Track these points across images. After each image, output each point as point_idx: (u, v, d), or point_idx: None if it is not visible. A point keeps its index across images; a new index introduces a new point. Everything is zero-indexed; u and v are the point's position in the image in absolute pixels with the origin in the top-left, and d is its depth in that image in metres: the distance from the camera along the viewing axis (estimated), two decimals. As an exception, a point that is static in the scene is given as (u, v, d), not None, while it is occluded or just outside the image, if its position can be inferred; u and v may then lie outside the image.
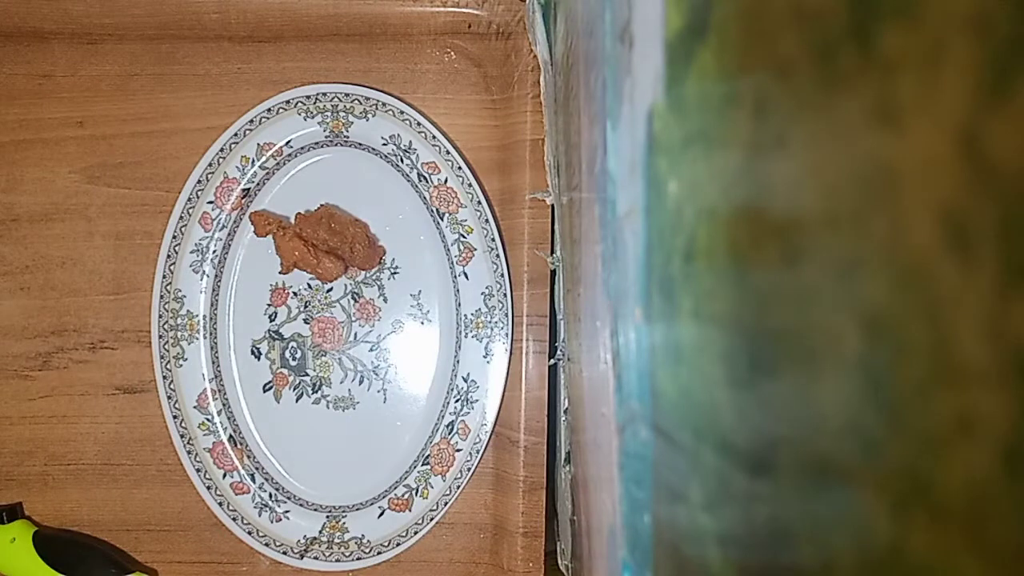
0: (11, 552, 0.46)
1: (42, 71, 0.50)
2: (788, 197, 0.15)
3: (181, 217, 0.48)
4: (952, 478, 0.11)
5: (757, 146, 0.16)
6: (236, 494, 0.48)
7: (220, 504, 0.48)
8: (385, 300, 0.50)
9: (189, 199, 0.48)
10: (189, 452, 0.48)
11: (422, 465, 0.49)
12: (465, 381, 0.49)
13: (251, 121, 0.48)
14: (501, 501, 0.49)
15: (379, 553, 0.48)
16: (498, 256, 0.48)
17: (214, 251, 0.49)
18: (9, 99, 0.50)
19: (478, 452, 0.48)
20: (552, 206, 0.48)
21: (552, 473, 0.51)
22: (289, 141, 0.48)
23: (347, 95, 0.48)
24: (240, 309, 0.50)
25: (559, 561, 0.52)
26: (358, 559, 0.48)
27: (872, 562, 0.13)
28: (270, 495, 0.49)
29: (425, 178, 0.49)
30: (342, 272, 0.49)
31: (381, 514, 0.48)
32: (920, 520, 0.11)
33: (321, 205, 0.49)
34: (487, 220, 0.48)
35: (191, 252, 0.48)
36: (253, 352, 0.50)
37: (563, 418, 0.49)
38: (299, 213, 0.48)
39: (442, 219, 0.49)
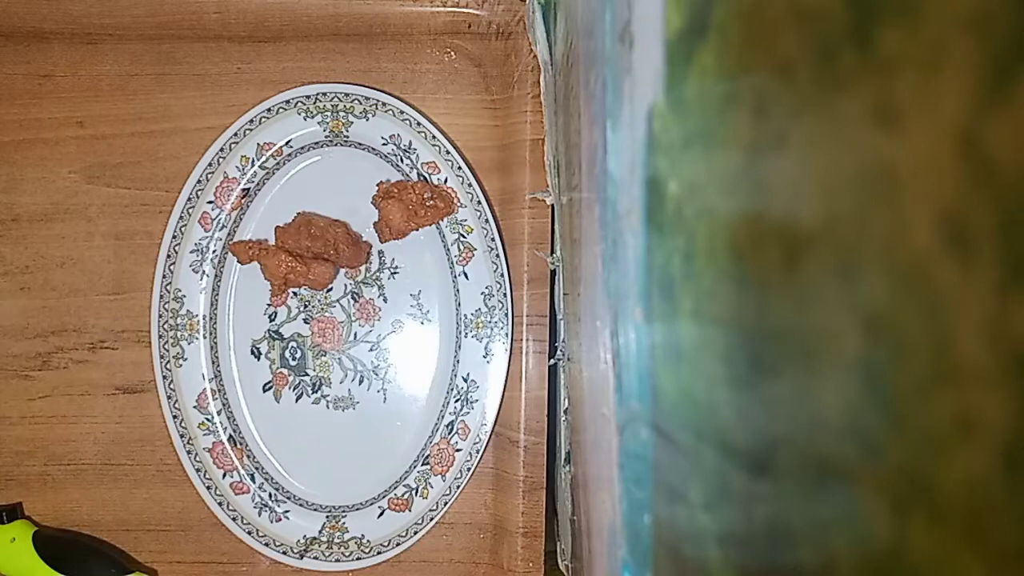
0: (11, 552, 0.46)
1: (42, 71, 0.50)
2: (788, 197, 0.15)
3: (181, 217, 0.48)
4: (952, 478, 0.11)
5: (757, 146, 0.16)
6: (236, 494, 0.48)
7: (220, 504, 0.48)
8: (385, 300, 0.50)
9: (189, 199, 0.48)
10: (189, 452, 0.48)
11: (422, 465, 0.49)
12: (465, 381, 0.49)
13: (251, 121, 0.48)
14: (501, 501, 0.49)
15: (379, 553, 0.48)
16: (498, 256, 0.48)
17: (214, 251, 0.49)
18: (9, 99, 0.50)
19: (478, 452, 0.48)
20: (552, 206, 0.48)
21: (552, 473, 0.51)
22: (289, 141, 0.48)
23: (347, 95, 0.48)
24: (240, 309, 0.50)
25: (559, 561, 0.52)
26: (358, 559, 0.48)
27: (872, 562, 0.13)
28: (270, 495, 0.49)
29: (425, 178, 0.49)
30: (333, 276, 0.49)
31: (381, 514, 0.49)
32: (920, 520, 0.11)
33: (298, 214, 0.49)
34: (487, 220, 0.48)
35: (191, 252, 0.48)
36: (253, 352, 0.50)
37: (563, 418, 0.49)
38: (278, 227, 0.48)
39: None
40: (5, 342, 0.50)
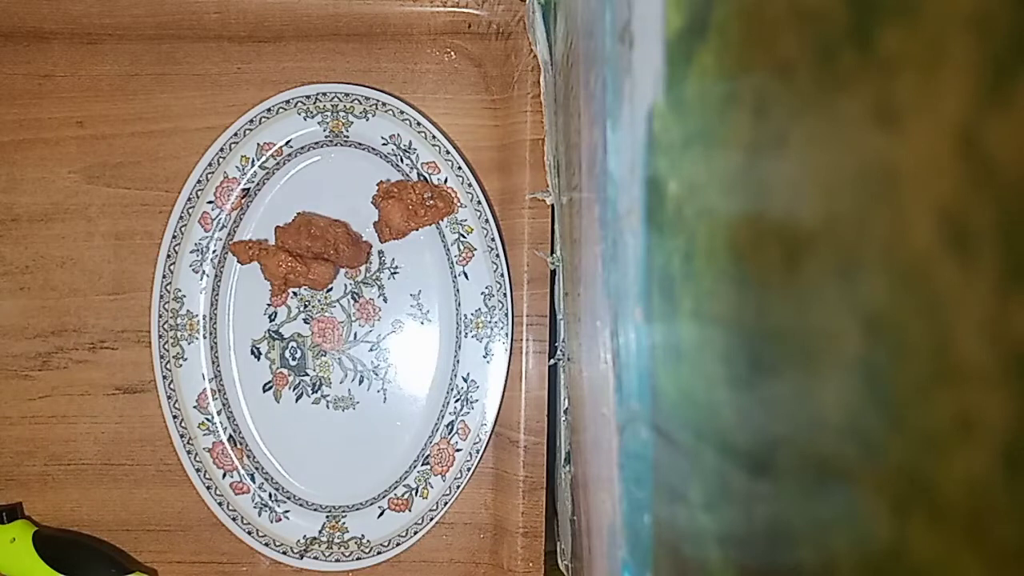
0: (11, 552, 0.46)
1: (42, 71, 0.50)
2: (788, 197, 0.15)
3: (181, 217, 0.48)
4: (952, 478, 0.11)
5: (757, 146, 0.16)
6: (236, 494, 0.48)
7: (220, 504, 0.48)
8: (385, 300, 0.50)
9: (189, 199, 0.48)
10: (189, 452, 0.48)
11: (422, 465, 0.49)
12: (465, 381, 0.49)
13: (251, 121, 0.48)
14: (501, 501, 0.49)
15: (379, 553, 0.48)
16: (498, 256, 0.48)
17: (214, 251, 0.49)
18: (9, 99, 0.50)
19: (478, 452, 0.48)
20: (552, 206, 0.48)
21: (552, 473, 0.51)
22: (289, 141, 0.48)
23: (347, 95, 0.48)
24: (240, 309, 0.50)
25: (559, 561, 0.52)
26: (358, 559, 0.48)
27: (872, 562, 0.13)
28: (270, 495, 0.49)
29: (425, 178, 0.49)
30: (333, 276, 0.49)
31: (381, 514, 0.49)
32: (920, 520, 0.11)
33: (298, 214, 0.49)
34: (487, 220, 0.48)
35: (191, 252, 0.48)
36: (253, 352, 0.50)
37: (563, 418, 0.49)
38: (278, 227, 0.48)
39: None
40: (5, 342, 0.50)
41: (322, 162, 0.50)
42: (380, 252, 0.50)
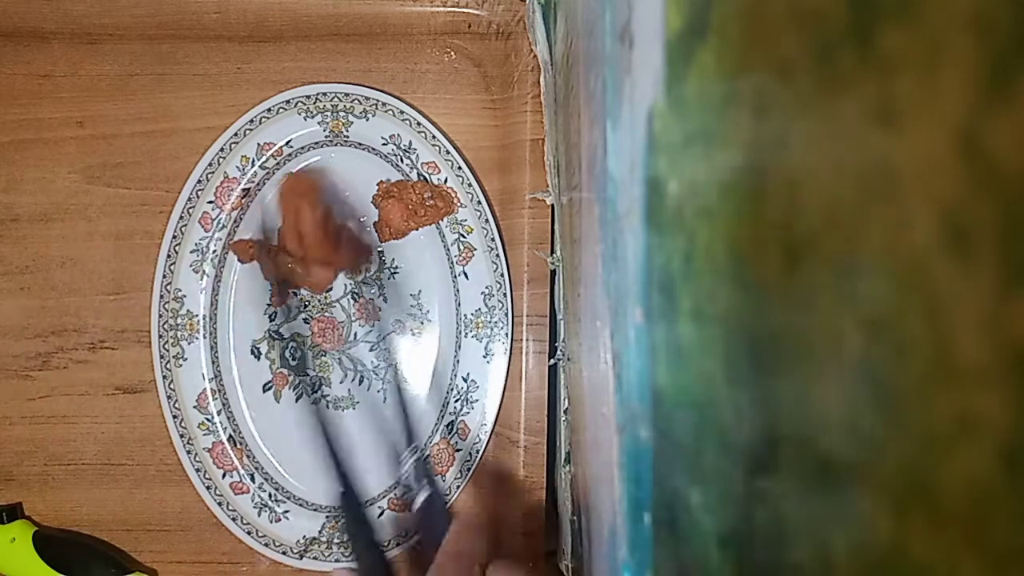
0: (11, 552, 0.46)
1: (42, 71, 0.50)
2: (788, 197, 0.15)
3: (181, 217, 0.48)
4: (952, 478, 0.11)
5: (757, 146, 0.16)
6: (236, 494, 0.48)
7: (220, 504, 0.48)
8: (385, 300, 0.50)
9: (189, 199, 0.48)
10: (189, 452, 0.48)
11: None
12: (465, 381, 0.49)
13: (251, 121, 0.48)
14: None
15: (379, 553, 0.48)
16: (498, 256, 0.48)
17: (214, 251, 0.49)
18: (9, 99, 0.50)
19: (478, 452, 0.48)
20: (552, 206, 0.48)
21: (552, 473, 0.51)
22: (289, 141, 0.48)
23: (347, 95, 0.48)
24: (240, 309, 0.50)
25: (559, 561, 0.52)
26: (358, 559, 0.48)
27: (872, 562, 0.13)
28: (270, 495, 0.49)
29: (425, 178, 0.49)
30: (332, 279, 0.49)
31: (381, 514, 0.49)
32: (920, 520, 0.11)
33: None
34: (487, 220, 0.48)
35: (191, 252, 0.48)
36: (253, 352, 0.50)
37: (563, 418, 0.49)
38: (280, 228, 0.48)
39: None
40: (5, 342, 0.50)
41: (322, 162, 0.50)
42: (380, 252, 0.50)
